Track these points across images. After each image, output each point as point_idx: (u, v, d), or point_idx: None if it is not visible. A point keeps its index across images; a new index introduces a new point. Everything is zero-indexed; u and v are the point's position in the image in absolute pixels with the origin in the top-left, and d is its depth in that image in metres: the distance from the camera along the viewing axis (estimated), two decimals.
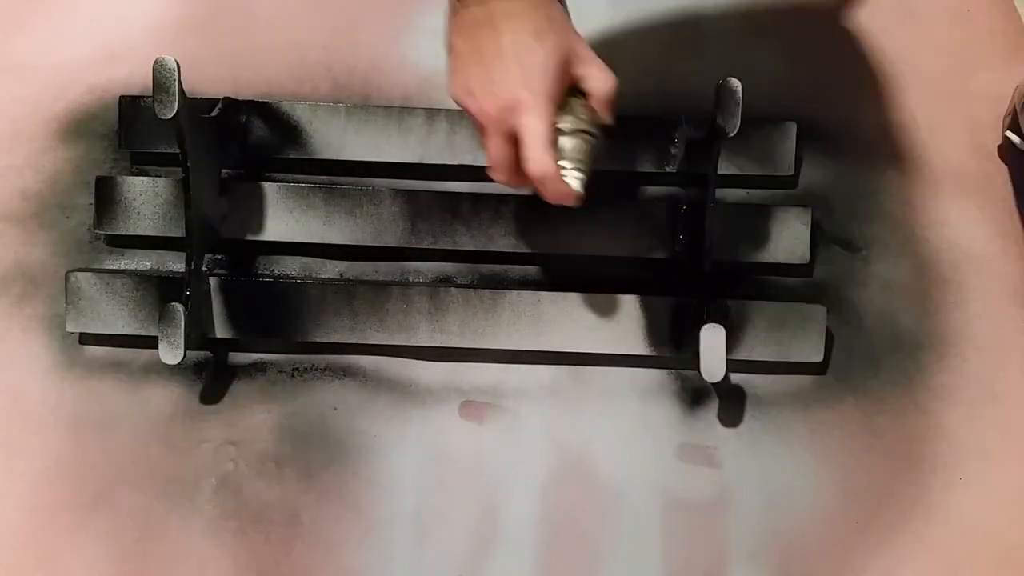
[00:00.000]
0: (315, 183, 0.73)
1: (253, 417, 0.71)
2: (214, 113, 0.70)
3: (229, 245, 0.72)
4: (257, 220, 0.71)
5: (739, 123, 0.63)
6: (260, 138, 0.72)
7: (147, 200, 0.71)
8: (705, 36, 0.77)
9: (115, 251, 0.73)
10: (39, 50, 0.75)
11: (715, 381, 0.66)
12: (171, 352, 0.64)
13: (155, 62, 0.61)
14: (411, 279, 0.73)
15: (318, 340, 0.71)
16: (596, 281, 0.73)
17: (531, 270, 0.74)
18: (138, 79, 0.74)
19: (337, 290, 0.70)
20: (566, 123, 0.55)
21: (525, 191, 0.62)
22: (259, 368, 0.72)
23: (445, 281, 0.73)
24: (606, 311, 0.70)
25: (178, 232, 0.70)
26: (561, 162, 0.55)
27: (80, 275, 0.69)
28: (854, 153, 0.75)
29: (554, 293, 0.71)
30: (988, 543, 0.70)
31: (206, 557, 0.68)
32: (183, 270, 0.70)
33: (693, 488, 0.70)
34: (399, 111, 0.72)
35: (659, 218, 0.71)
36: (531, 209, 0.72)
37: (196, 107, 0.69)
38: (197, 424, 0.70)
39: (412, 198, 0.72)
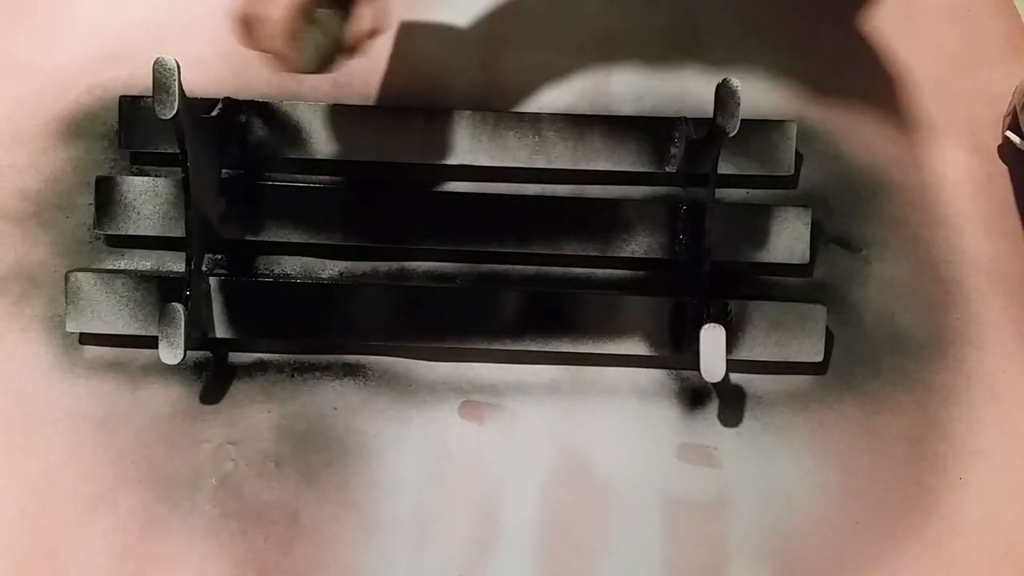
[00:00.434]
0: (315, 183, 0.73)
1: (253, 417, 0.71)
2: (214, 113, 0.70)
3: (229, 245, 0.72)
4: (257, 220, 0.71)
5: (739, 123, 0.63)
6: (260, 138, 0.72)
7: (147, 200, 0.71)
8: (705, 36, 0.77)
9: (115, 251, 0.73)
10: (39, 50, 0.75)
11: (715, 381, 0.66)
12: (171, 352, 0.64)
13: (155, 62, 0.61)
14: (411, 279, 0.73)
15: (318, 340, 0.71)
16: (596, 281, 0.73)
17: (531, 270, 0.74)
18: (138, 79, 0.74)
19: (337, 290, 0.70)
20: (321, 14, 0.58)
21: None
22: (259, 368, 0.72)
23: (445, 281, 0.73)
24: (606, 311, 0.70)
25: (178, 232, 0.70)
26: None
27: (80, 275, 0.69)
28: (854, 153, 0.75)
29: (554, 293, 0.71)
30: (988, 543, 0.69)
31: (206, 557, 0.68)
32: (183, 270, 0.70)
33: (693, 488, 0.70)
34: (399, 111, 0.72)
35: (659, 218, 0.71)
36: (531, 209, 0.72)
37: (196, 107, 0.69)
38: (197, 424, 0.70)
39: (412, 198, 0.72)
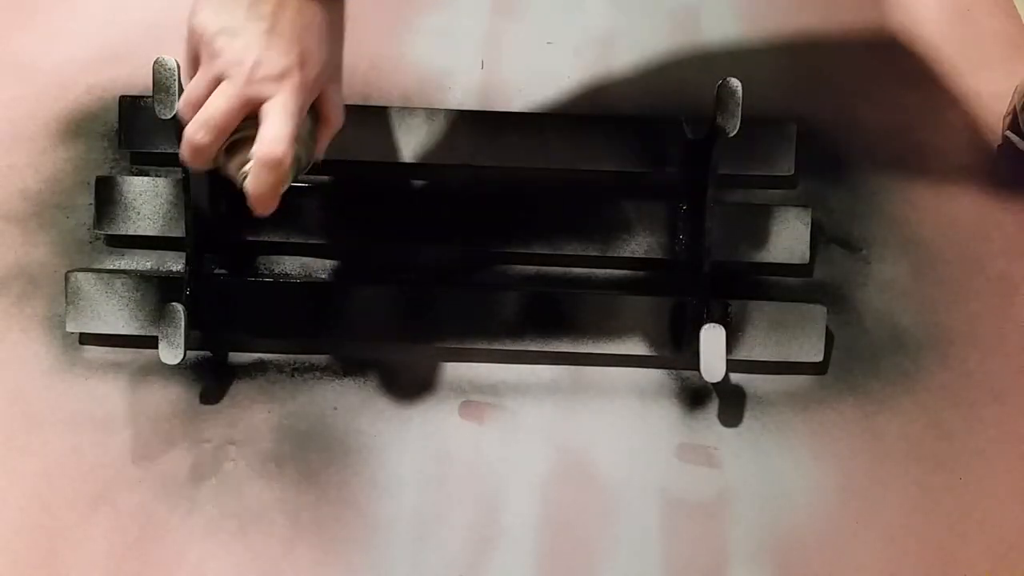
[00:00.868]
0: (315, 183, 0.73)
1: (253, 417, 0.71)
2: None
3: (229, 245, 0.72)
4: (257, 220, 0.71)
5: (739, 123, 0.63)
6: None
7: (147, 200, 0.71)
8: (705, 36, 0.77)
9: (115, 251, 0.73)
10: (39, 50, 0.75)
11: (715, 381, 0.66)
12: (171, 352, 0.64)
13: (155, 62, 0.61)
14: (411, 279, 0.73)
15: (318, 340, 0.71)
16: (596, 281, 0.73)
17: (531, 270, 0.74)
18: (138, 79, 0.74)
19: (337, 290, 0.70)
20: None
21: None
22: (259, 368, 0.72)
23: (445, 281, 0.73)
24: (606, 311, 0.70)
25: (178, 232, 0.70)
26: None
27: (80, 275, 0.69)
28: (854, 153, 0.75)
29: (554, 293, 0.71)
30: (988, 543, 0.69)
31: (206, 557, 0.68)
32: (183, 270, 0.70)
33: (693, 488, 0.70)
34: (399, 111, 0.72)
35: (659, 218, 0.71)
36: (531, 209, 0.72)
37: None
38: (197, 424, 0.70)
39: (412, 198, 0.72)
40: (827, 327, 0.70)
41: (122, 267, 0.73)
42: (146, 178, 0.71)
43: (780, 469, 0.70)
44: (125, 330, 0.69)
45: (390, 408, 0.71)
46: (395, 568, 0.68)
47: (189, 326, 0.64)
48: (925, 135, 0.76)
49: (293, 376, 0.72)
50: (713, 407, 0.72)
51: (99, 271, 0.70)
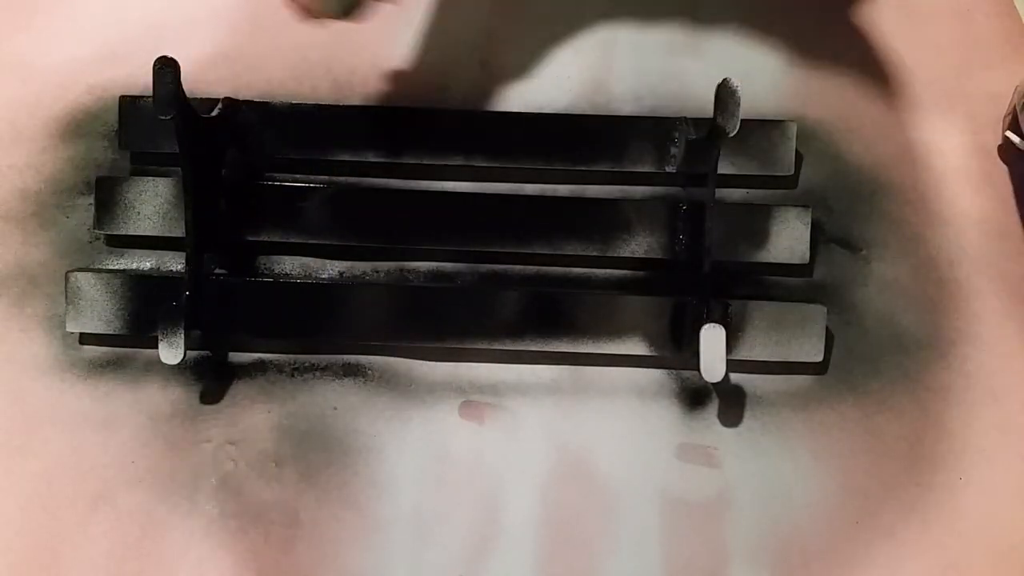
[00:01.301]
0: (315, 183, 0.73)
1: (253, 417, 0.71)
2: (214, 113, 0.70)
3: (229, 245, 0.72)
4: (257, 220, 0.71)
5: (739, 123, 0.63)
6: (260, 138, 0.72)
7: (147, 200, 0.71)
8: (705, 36, 0.77)
9: (115, 251, 0.73)
10: (39, 50, 0.75)
11: (715, 381, 0.66)
12: (171, 352, 0.64)
13: (155, 62, 0.61)
14: (411, 279, 0.73)
15: (318, 340, 0.71)
16: (596, 281, 0.73)
17: (531, 270, 0.74)
18: (138, 79, 0.74)
19: (337, 290, 0.70)
20: None
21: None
22: (259, 368, 0.72)
23: (445, 281, 0.73)
24: (606, 311, 0.70)
25: (178, 232, 0.70)
26: None
27: (80, 275, 0.69)
28: (854, 153, 0.75)
29: (554, 293, 0.71)
30: (988, 543, 0.69)
31: (206, 557, 0.68)
32: (183, 270, 0.70)
33: (693, 488, 0.70)
34: (399, 111, 0.72)
35: (659, 218, 0.71)
36: (531, 209, 0.72)
37: (196, 107, 0.69)
38: (197, 424, 0.70)
39: (412, 198, 0.72)
40: (827, 327, 0.70)
41: (122, 267, 0.73)
42: (146, 178, 0.71)
43: (780, 469, 0.70)
44: (125, 330, 0.69)
45: (390, 408, 0.71)
46: (395, 568, 0.68)
47: (189, 326, 0.64)
48: (925, 135, 0.76)
49: (293, 376, 0.72)
50: (713, 407, 0.72)
51: (99, 271, 0.70)
